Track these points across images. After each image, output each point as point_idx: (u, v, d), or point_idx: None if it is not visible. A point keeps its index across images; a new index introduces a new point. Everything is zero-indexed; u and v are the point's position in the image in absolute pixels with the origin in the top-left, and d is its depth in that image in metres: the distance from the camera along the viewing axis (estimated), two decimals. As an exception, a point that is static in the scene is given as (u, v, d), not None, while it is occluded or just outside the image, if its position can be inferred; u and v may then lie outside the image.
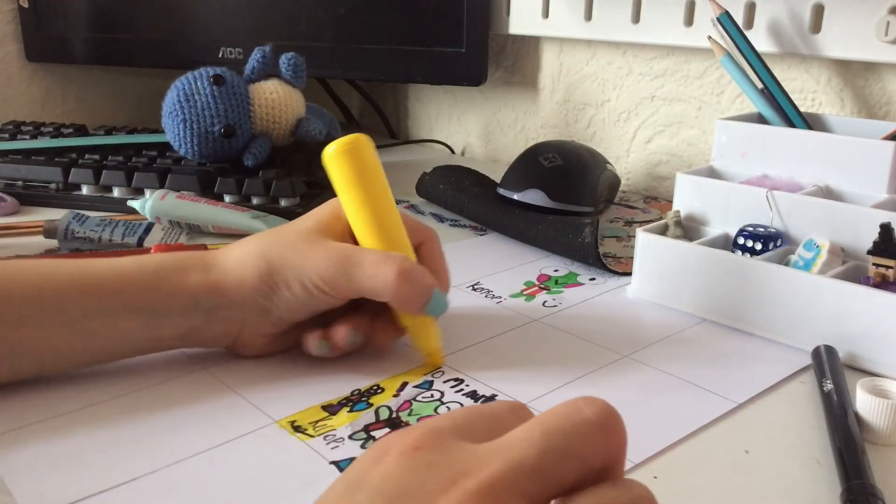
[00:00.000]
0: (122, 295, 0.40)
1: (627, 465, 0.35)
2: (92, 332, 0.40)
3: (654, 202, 0.78)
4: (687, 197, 0.56)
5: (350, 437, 0.37)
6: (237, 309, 0.42)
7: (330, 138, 0.79)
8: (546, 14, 0.84)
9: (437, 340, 0.44)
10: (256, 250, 0.43)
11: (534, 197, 0.65)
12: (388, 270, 0.40)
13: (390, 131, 1.09)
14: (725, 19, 0.62)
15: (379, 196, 0.43)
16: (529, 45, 0.91)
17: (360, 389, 0.42)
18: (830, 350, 0.43)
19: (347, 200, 0.43)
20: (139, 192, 0.71)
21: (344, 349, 0.43)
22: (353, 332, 0.43)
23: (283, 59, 0.73)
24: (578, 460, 0.22)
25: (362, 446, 0.37)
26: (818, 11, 0.65)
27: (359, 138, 0.42)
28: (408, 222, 0.45)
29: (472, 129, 1.01)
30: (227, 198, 0.69)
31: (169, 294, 0.41)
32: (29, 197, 0.72)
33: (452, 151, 1.02)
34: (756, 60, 0.61)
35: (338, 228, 0.43)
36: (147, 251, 0.54)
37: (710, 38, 0.63)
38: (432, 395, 0.41)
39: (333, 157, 0.42)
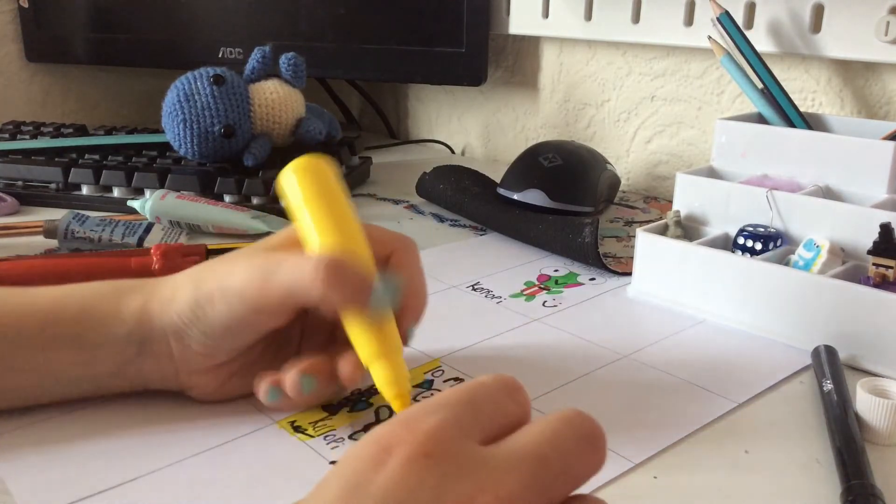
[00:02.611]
0: (56, 325, 0.37)
1: (627, 465, 0.35)
2: (22, 368, 0.37)
3: (654, 202, 0.78)
4: (687, 197, 0.56)
5: (350, 437, 0.37)
6: (162, 340, 0.37)
7: (330, 138, 0.79)
8: (546, 14, 0.84)
9: (405, 381, 0.35)
10: (193, 273, 0.38)
11: (534, 197, 0.65)
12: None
13: (390, 131, 1.09)
14: (725, 19, 0.62)
15: (338, 218, 0.38)
16: (529, 45, 0.91)
17: (359, 389, 0.42)
18: (830, 350, 0.43)
19: (303, 223, 0.38)
20: (139, 192, 0.71)
21: (298, 398, 0.37)
22: (306, 378, 0.36)
23: (283, 59, 0.73)
24: (575, 481, 0.23)
25: (362, 446, 0.37)
26: (818, 11, 0.65)
27: (315, 160, 0.39)
28: (376, 233, 0.40)
29: (472, 129, 1.01)
30: (227, 198, 0.69)
31: (101, 322, 0.37)
32: (29, 197, 0.72)
33: (452, 151, 1.02)
34: (756, 60, 0.61)
35: (291, 249, 0.38)
36: (146, 252, 0.54)
37: (710, 38, 0.63)
38: (432, 395, 0.41)
39: (287, 177, 0.39)
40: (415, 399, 0.41)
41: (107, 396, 0.40)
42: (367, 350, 0.35)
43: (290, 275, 0.35)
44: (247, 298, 0.36)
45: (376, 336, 0.35)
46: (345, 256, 0.35)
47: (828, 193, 0.53)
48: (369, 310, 0.35)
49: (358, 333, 0.36)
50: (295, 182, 0.38)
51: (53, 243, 0.61)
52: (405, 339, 0.38)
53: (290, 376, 0.36)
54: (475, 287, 0.55)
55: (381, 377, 0.35)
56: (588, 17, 0.80)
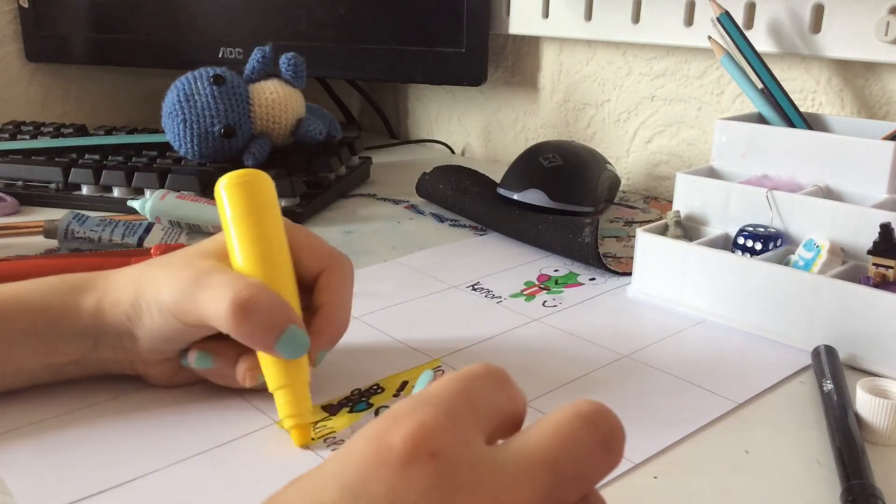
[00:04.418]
0: (16, 319, 0.38)
1: (627, 466, 0.35)
2: None
3: (654, 202, 0.78)
4: (687, 197, 0.56)
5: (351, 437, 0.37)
6: (115, 335, 0.39)
7: (330, 138, 0.79)
8: (546, 14, 0.84)
9: (306, 412, 0.36)
10: (137, 272, 0.40)
11: (534, 197, 0.65)
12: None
13: (390, 131, 1.09)
14: (725, 19, 0.62)
15: (262, 242, 0.38)
16: (529, 45, 0.91)
17: (360, 389, 0.42)
18: (830, 350, 0.43)
19: (229, 241, 0.38)
20: (139, 192, 0.71)
21: (196, 370, 0.39)
22: (202, 354, 0.39)
23: (283, 59, 0.73)
24: (587, 486, 0.22)
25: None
26: (818, 11, 0.65)
27: (248, 175, 0.39)
28: (312, 248, 0.40)
29: (472, 129, 1.01)
30: (227, 198, 0.69)
31: (59, 317, 0.39)
32: (29, 197, 0.72)
33: (452, 151, 1.02)
34: (756, 60, 0.61)
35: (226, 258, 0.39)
36: (145, 252, 0.54)
37: (710, 38, 0.63)
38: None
39: (217, 193, 0.39)
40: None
41: (105, 396, 0.40)
42: (272, 378, 0.37)
43: (207, 306, 0.36)
44: (176, 315, 0.37)
45: (282, 365, 0.37)
46: (261, 294, 0.35)
47: (828, 193, 0.53)
48: (275, 353, 0.36)
49: (265, 360, 0.37)
50: (224, 198, 0.39)
51: (53, 243, 0.61)
52: (314, 362, 0.39)
53: (193, 348, 0.39)
54: (475, 287, 0.55)
55: (282, 406, 0.36)
56: (588, 17, 0.80)
